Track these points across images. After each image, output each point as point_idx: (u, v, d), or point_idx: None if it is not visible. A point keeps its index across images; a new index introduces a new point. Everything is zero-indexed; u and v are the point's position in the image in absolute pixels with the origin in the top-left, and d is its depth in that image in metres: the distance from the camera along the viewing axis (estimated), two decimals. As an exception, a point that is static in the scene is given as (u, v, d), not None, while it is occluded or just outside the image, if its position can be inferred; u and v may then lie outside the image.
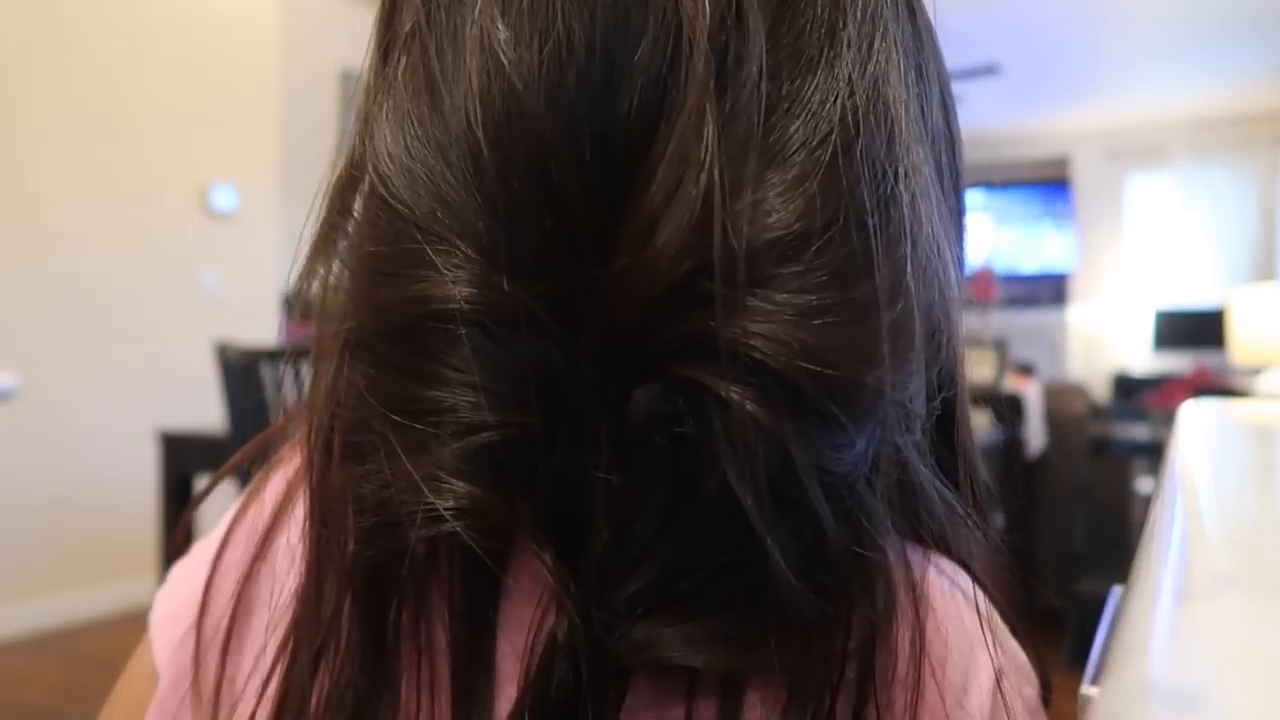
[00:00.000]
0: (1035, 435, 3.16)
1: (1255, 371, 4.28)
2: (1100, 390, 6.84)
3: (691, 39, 0.30)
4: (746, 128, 0.31)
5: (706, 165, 0.30)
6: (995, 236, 8.18)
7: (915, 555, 0.36)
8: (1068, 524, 3.07)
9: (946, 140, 0.41)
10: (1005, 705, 0.35)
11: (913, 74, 0.36)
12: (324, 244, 0.35)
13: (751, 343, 0.30)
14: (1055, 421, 3.37)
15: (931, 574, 0.37)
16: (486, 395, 0.30)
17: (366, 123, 0.34)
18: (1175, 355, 7.08)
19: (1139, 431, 3.13)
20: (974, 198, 8.33)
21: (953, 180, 0.41)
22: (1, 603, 3.13)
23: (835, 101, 0.32)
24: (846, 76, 0.32)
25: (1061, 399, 3.46)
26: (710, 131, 0.30)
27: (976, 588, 0.38)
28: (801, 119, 0.32)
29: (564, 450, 0.31)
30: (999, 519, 1.39)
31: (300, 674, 0.35)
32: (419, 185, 0.32)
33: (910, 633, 0.34)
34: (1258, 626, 0.27)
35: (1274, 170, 7.32)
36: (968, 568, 0.38)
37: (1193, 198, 7.51)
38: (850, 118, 0.32)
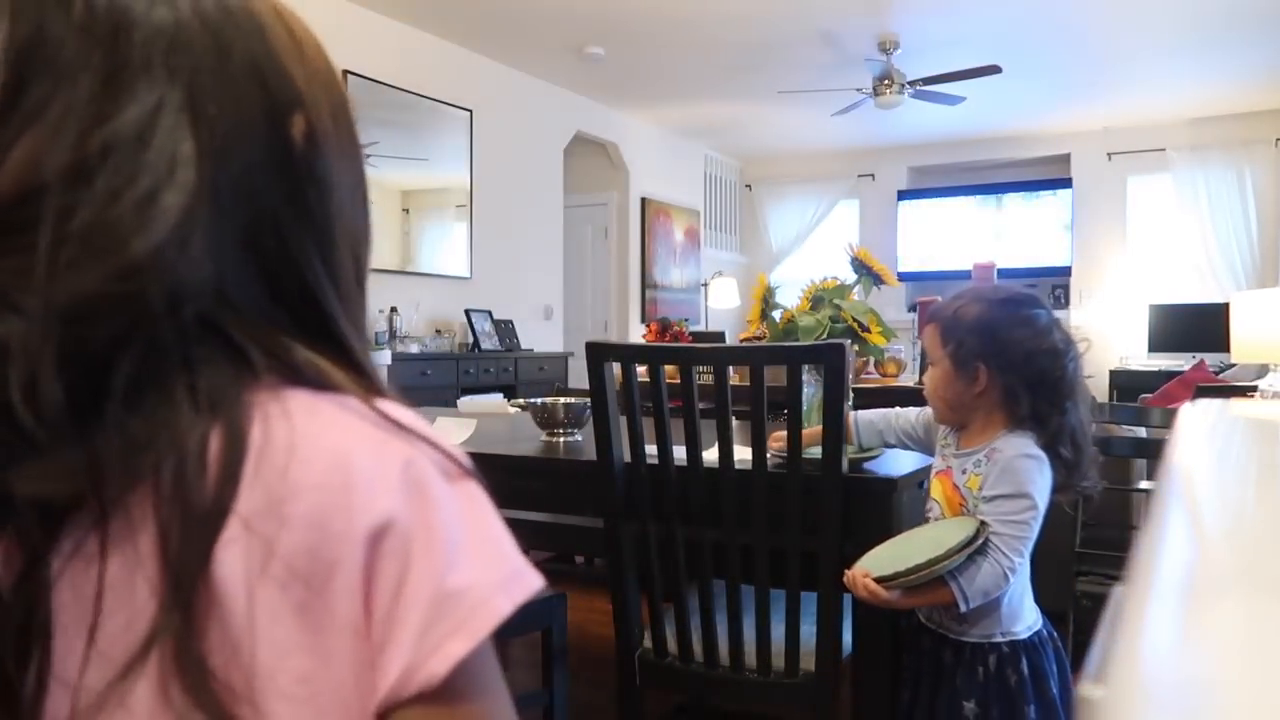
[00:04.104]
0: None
1: (1254, 371, 4.28)
2: (1100, 389, 6.84)
3: None
4: None
5: None
6: (995, 236, 8.16)
7: (272, 392, 0.49)
8: (1068, 525, 3.06)
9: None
10: (418, 475, 0.48)
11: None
12: None
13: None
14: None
15: (316, 406, 0.49)
16: None
17: None
18: (1174, 354, 7.08)
19: (1139, 432, 3.13)
20: (974, 198, 8.31)
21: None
22: None
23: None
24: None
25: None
26: None
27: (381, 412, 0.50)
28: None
29: None
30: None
31: None
32: None
33: (268, 447, 0.47)
34: (1258, 626, 0.27)
35: (1274, 170, 7.31)
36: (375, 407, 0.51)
37: (1193, 198, 7.50)
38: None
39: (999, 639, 1.50)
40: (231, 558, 0.45)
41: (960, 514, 1.52)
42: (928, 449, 1.71)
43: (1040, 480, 1.47)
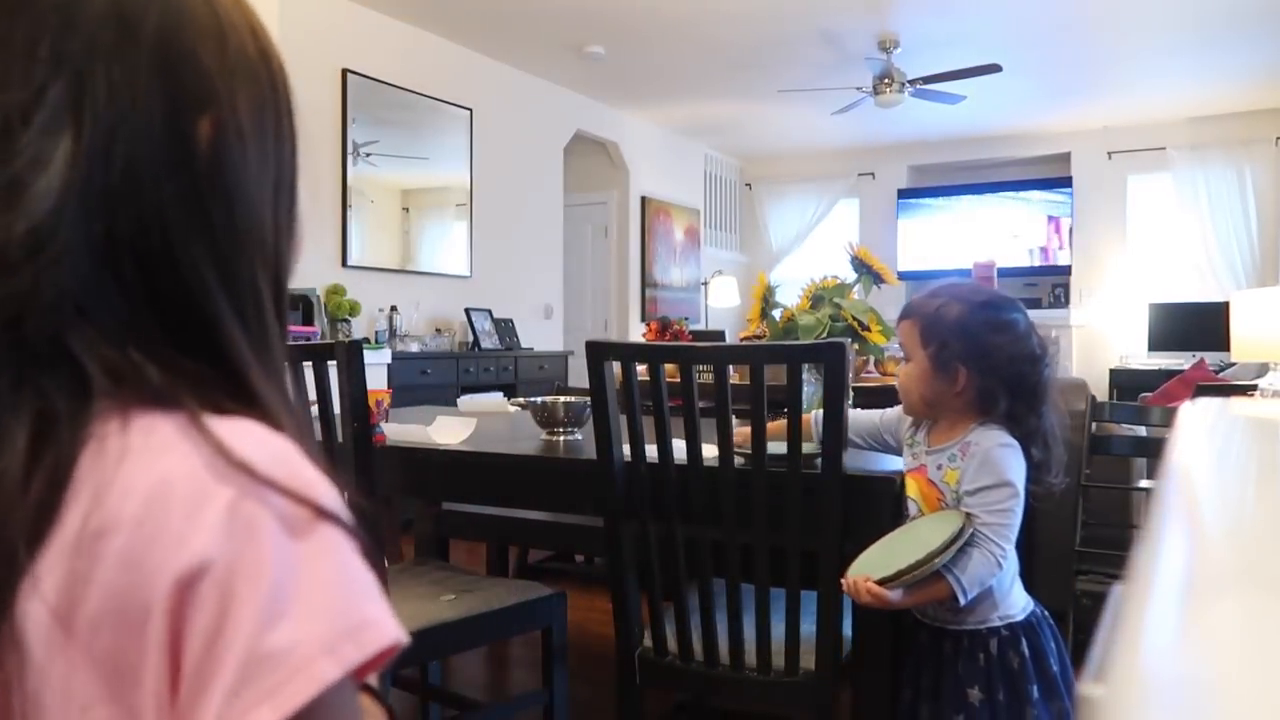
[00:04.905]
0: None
1: (1254, 370, 4.28)
2: (1100, 388, 6.84)
3: None
4: None
5: None
6: (995, 235, 8.16)
7: (121, 418, 0.44)
8: (1068, 524, 3.06)
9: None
10: (248, 516, 0.43)
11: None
12: None
13: None
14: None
15: (155, 433, 0.44)
16: None
17: None
18: (1174, 353, 7.07)
19: (1139, 431, 3.13)
20: (974, 197, 8.30)
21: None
22: None
23: None
24: None
25: (1062, 396, 3.44)
26: None
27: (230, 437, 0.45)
28: None
29: None
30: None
31: None
32: None
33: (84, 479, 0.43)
34: (1258, 625, 0.27)
35: (1274, 169, 7.31)
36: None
37: (1193, 196, 7.50)
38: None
39: (996, 623, 1.53)
40: (40, 599, 0.41)
41: (939, 509, 1.54)
42: (890, 450, 1.72)
43: (1017, 466, 1.51)
